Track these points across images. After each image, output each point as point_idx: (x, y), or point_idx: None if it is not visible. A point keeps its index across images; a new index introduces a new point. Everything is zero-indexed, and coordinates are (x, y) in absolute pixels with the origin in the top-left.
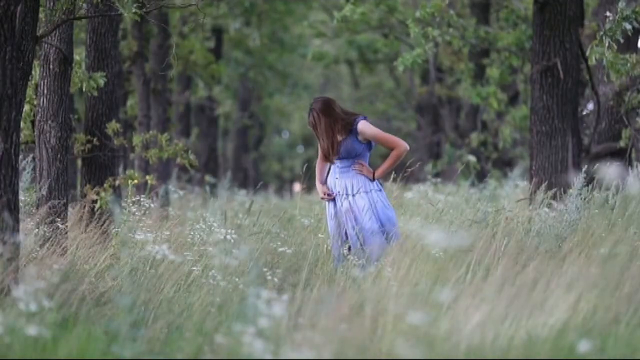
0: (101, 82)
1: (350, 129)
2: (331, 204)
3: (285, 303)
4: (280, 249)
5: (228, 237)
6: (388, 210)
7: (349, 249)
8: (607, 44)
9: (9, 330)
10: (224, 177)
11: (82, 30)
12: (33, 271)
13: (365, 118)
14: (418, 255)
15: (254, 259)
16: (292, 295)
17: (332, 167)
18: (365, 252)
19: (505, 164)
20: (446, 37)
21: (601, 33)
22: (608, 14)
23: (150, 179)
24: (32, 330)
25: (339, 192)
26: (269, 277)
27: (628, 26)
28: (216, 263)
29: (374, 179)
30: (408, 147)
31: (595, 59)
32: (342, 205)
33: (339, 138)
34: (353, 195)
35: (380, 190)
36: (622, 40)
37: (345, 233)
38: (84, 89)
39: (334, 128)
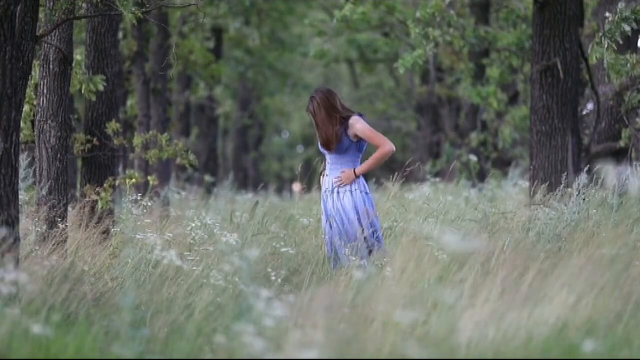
0: (100, 86)
1: (344, 123)
2: (324, 203)
3: (286, 303)
4: (284, 250)
5: (232, 240)
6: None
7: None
8: (606, 46)
9: (9, 331)
10: (225, 177)
11: (82, 30)
12: (33, 271)
13: (361, 115)
14: (419, 256)
15: (256, 260)
16: (293, 295)
17: (325, 165)
18: (352, 250)
19: (505, 164)
20: (447, 37)
21: (601, 34)
22: (608, 14)
23: (152, 180)
24: (35, 329)
25: (327, 189)
26: (273, 278)
27: (627, 28)
28: (226, 268)
29: (356, 176)
30: (394, 149)
31: (596, 59)
32: (330, 203)
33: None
34: (338, 193)
35: (366, 193)
36: (621, 42)
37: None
38: (83, 92)
39: (333, 119)
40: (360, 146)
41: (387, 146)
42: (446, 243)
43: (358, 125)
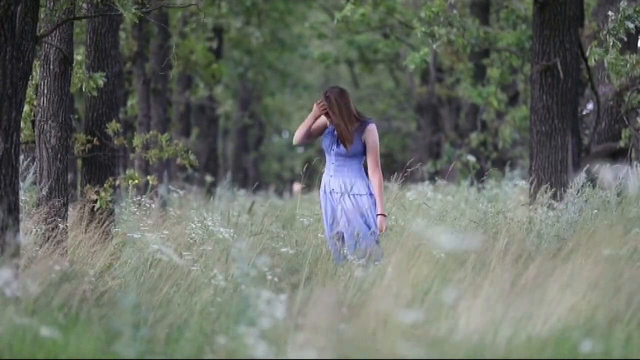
0: (100, 82)
1: (360, 126)
2: (326, 203)
3: (285, 303)
4: (283, 250)
5: (227, 236)
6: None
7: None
8: (611, 43)
9: (10, 331)
10: (224, 177)
11: (82, 30)
12: (33, 271)
13: (374, 126)
14: (419, 256)
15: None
16: (292, 295)
17: (327, 164)
18: (362, 252)
19: (505, 164)
20: (451, 36)
21: (605, 32)
22: (610, 13)
23: (151, 179)
24: (42, 331)
25: (332, 189)
26: (270, 277)
27: (630, 25)
28: (236, 272)
29: (383, 215)
30: (380, 181)
31: (595, 60)
32: (337, 203)
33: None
34: (348, 195)
35: (370, 194)
36: (625, 39)
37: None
38: (83, 89)
39: (351, 116)
40: (364, 151)
41: (379, 178)
42: (445, 243)
43: (372, 136)
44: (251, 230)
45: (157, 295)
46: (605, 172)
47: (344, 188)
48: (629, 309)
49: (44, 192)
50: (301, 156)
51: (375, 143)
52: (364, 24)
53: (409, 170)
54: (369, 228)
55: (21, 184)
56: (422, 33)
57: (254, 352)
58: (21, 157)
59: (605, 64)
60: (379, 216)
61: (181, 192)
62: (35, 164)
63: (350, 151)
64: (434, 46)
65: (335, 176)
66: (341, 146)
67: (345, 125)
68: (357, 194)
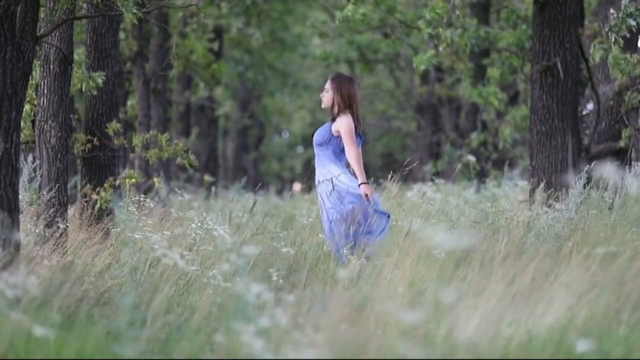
0: (100, 81)
1: (334, 118)
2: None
3: (286, 303)
4: (283, 249)
5: (227, 236)
6: (354, 190)
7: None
8: (612, 40)
9: (9, 330)
10: (225, 177)
11: (82, 30)
12: (33, 271)
13: (352, 115)
14: (419, 255)
15: (255, 259)
16: (292, 295)
17: None
18: (336, 239)
19: (505, 164)
20: (455, 37)
21: (607, 29)
22: (612, 11)
23: (158, 182)
24: (36, 331)
25: (318, 180)
26: (274, 278)
27: (632, 22)
28: (225, 268)
29: (365, 183)
30: (358, 153)
31: (600, 57)
32: (322, 196)
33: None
34: (320, 182)
35: (343, 173)
36: (628, 36)
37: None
38: (83, 89)
39: (337, 103)
40: (339, 141)
41: (355, 152)
42: (444, 242)
43: (339, 124)
44: (254, 231)
45: (157, 295)
46: (605, 172)
47: (320, 178)
48: (628, 309)
49: (44, 192)
50: (301, 156)
51: (346, 128)
52: (364, 24)
53: (406, 169)
54: (340, 214)
55: (27, 184)
56: (427, 35)
57: (253, 352)
58: (29, 157)
59: (610, 60)
60: (361, 185)
61: (186, 197)
62: (35, 163)
63: (319, 143)
64: (441, 48)
65: (316, 167)
66: (314, 136)
67: (330, 104)
68: (334, 177)
